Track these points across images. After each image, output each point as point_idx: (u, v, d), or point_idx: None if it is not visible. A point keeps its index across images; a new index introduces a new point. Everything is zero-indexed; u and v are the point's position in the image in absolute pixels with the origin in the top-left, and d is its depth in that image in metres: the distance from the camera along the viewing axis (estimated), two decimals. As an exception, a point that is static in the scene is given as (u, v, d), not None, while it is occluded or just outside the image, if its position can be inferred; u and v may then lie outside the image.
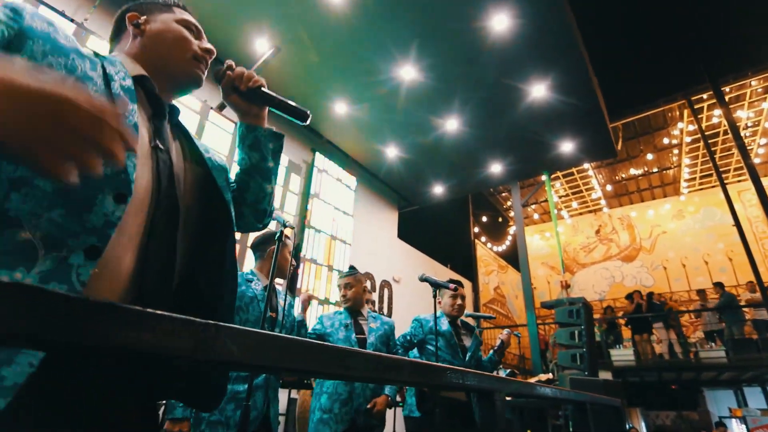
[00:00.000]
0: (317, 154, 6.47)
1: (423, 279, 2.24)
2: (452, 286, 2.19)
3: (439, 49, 5.00)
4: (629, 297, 9.24)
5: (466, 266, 11.08)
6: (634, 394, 9.97)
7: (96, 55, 0.72)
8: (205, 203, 0.80)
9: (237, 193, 0.95)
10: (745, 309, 8.12)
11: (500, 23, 4.60)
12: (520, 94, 5.56)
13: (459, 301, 2.48)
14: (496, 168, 7.15)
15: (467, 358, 2.33)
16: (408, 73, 5.28)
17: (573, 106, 5.73)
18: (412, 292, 7.92)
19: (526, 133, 6.28)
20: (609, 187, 13.09)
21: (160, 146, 0.73)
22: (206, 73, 0.92)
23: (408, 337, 2.42)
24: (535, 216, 14.80)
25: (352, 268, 2.53)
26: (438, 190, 7.96)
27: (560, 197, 13.62)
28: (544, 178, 7.34)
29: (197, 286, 0.73)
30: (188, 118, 4.84)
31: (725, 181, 9.11)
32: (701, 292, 9.74)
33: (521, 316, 13.44)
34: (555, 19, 4.62)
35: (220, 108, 5.35)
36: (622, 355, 8.61)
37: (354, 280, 2.34)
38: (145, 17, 0.88)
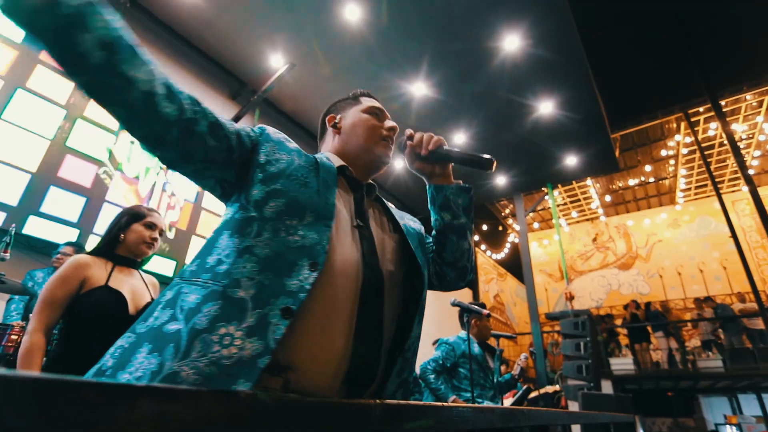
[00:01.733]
0: (326, 166, 6.55)
1: (455, 304, 2.32)
2: (485, 312, 2.27)
3: (449, 67, 5.10)
4: (626, 307, 9.41)
5: (467, 274, 11.19)
6: (633, 402, 10.11)
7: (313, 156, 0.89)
8: (404, 269, 0.87)
9: (436, 254, 1.00)
10: (742, 318, 8.28)
11: (511, 43, 4.72)
12: (528, 110, 5.69)
13: (489, 322, 2.57)
14: (500, 180, 7.27)
15: (495, 379, 2.42)
16: (419, 89, 5.38)
17: (578, 122, 5.87)
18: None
19: (531, 147, 6.41)
20: (607, 197, 13.28)
21: (361, 223, 0.83)
22: (393, 147, 1.03)
23: (441, 361, 2.49)
24: (535, 225, 14.96)
25: None
26: (442, 200, 8.05)
27: (558, 206, 13.79)
28: (546, 189, 7.47)
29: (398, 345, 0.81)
30: None
31: (720, 192, 9.33)
32: (698, 301, 9.95)
33: (520, 324, 13.58)
34: (564, 39, 4.75)
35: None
36: (622, 363, 8.75)
37: None
38: (339, 116, 1.02)
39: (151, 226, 1.72)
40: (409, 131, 1.03)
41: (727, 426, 10.08)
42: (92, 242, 3.59)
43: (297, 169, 0.80)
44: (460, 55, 4.95)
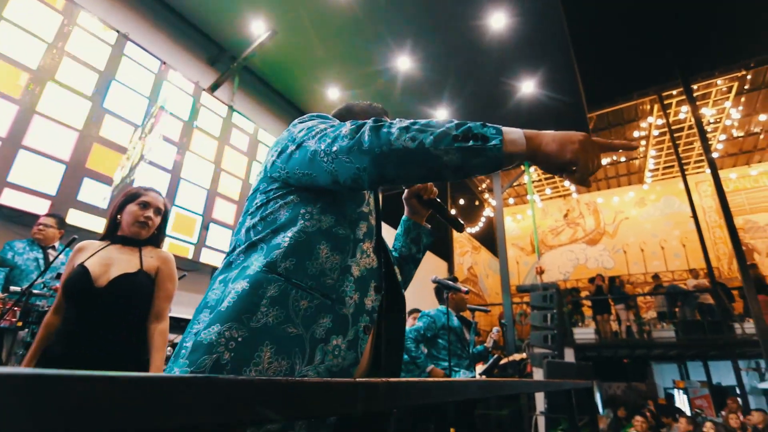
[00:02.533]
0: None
1: (436, 281, 2.45)
2: (464, 289, 2.41)
3: (435, 43, 5.08)
4: (592, 280, 9.94)
5: (443, 247, 11.47)
6: (593, 368, 10.84)
7: None
8: (393, 291, 1.00)
9: None
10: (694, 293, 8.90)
11: (498, 21, 4.72)
12: (510, 89, 5.75)
13: (465, 296, 2.73)
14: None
15: (470, 349, 2.60)
16: (404, 63, 5.35)
17: (557, 102, 5.99)
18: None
19: (511, 125, 6.51)
20: (579, 174, 13.65)
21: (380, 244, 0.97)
22: None
23: (422, 332, 2.65)
24: (510, 200, 15.31)
25: None
26: (422, 175, 8.16)
27: (534, 182, 14.12)
28: (523, 168, 7.65)
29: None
30: (181, 101, 4.75)
31: (685, 173, 9.78)
32: (656, 276, 10.60)
33: (491, 295, 14.12)
34: (549, 18, 4.78)
35: (213, 89, 5.26)
36: (584, 333, 9.33)
37: None
38: None
39: (145, 205, 1.70)
40: None
41: (675, 390, 10.99)
42: (72, 215, 3.53)
43: None
44: (445, 32, 4.92)
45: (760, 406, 7.46)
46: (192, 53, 5.31)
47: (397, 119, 0.76)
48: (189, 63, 5.21)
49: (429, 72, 5.49)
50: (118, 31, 4.23)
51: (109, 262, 1.61)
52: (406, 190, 1.16)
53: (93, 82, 3.93)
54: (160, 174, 4.37)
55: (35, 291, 2.36)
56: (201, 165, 4.84)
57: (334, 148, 0.75)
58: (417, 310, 3.79)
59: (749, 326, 7.42)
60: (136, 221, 1.67)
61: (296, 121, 0.93)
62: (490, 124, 0.71)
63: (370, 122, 0.74)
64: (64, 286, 1.56)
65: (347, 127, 0.76)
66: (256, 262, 0.77)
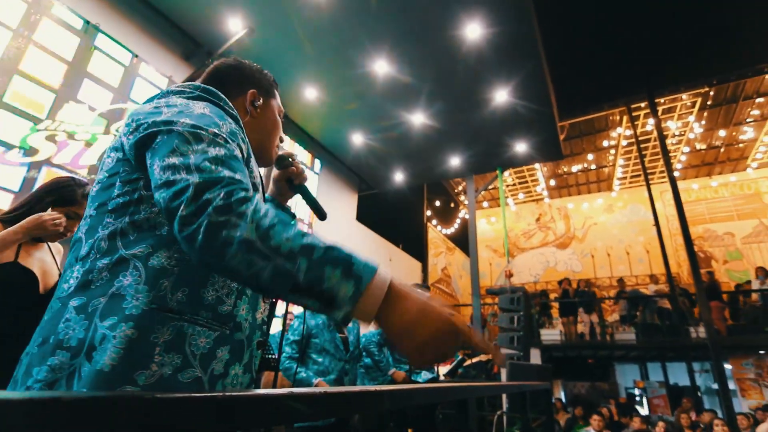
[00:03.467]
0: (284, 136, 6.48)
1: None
2: (426, 294, 2.49)
3: (413, 49, 5.15)
4: (561, 283, 10.28)
5: (418, 247, 11.61)
6: (557, 368, 11.20)
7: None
8: None
9: None
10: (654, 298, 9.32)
11: (473, 32, 4.83)
12: (484, 96, 5.89)
13: None
14: (454, 161, 7.54)
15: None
16: (381, 67, 5.41)
17: (530, 110, 6.16)
18: (367, 274, 8.26)
19: (485, 132, 6.67)
20: (552, 181, 14.06)
21: None
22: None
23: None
24: (485, 204, 15.60)
25: None
26: (399, 177, 8.24)
27: (508, 186, 14.43)
28: (497, 174, 7.84)
29: None
30: (115, 72, 4.61)
31: (651, 182, 10.22)
32: (620, 281, 11.04)
33: (464, 295, 14.35)
34: (523, 31, 4.92)
35: (187, 84, 5.19)
36: (550, 334, 9.64)
37: None
38: (261, 99, 0.96)
39: (73, 216, 1.55)
40: (294, 154, 1.11)
41: (636, 389, 11.47)
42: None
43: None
44: (422, 39, 5.00)
45: (713, 406, 7.91)
46: (166, 48, 5.22)
47: (254, 215, 0.58)
48: (162, 57, 5.12)
49: (406, 76, 5.56)
50: (88, 22, 4.14)
51: (39, 264, 1.49)
52: (277, 171, 1.09)
53: (61, 73, 3.83)
54: (130, 169, 4.30)
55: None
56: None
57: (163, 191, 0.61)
58: None
59: (703, 330, 7.84)
60: (59, 233, 1.50)
61: (184, 88, 0.80)
62: (355, 271, 0.56)
63: (211, 215, 0.56)
64: (3, 286, 1.39)
65: (194, 181, 0.59)
66: (139, 296, 0.63)
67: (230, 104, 0.83)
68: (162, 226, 0.68)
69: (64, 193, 1.54)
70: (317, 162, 7.48)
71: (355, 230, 8.66)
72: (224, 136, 0.70)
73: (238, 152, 0.70)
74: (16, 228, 1.40)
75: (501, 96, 5.85)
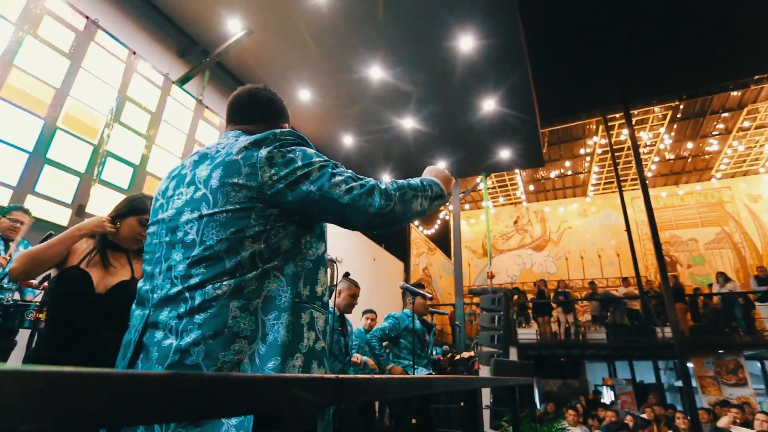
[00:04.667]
0: (275, 135, 6.56)
1: (403, 287, 2.70)
2: (428, 295, 2.67)
3: (406, 56, 5.33)
4: (537, 284, 10.69)
5: (400, 248, 11.80)
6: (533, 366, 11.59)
7: None
8: None
9: None
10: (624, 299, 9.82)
11: (465, 43, 5.05)
12: (472, 104, 6.13)
13: (428, 302, 3.00)
14: (440, 165, 7.76)
15: (429, 351, 2.88)
16: (375, 72, 5.56)
17: (515, 118, 6.44)
18: (352, 272, 8.39)
19: (472, 138, 6.93)
20: (531, 186, 14.52)
21: None
22: None
23: (386, 332, 2.88)
24: (466, 206, 15.95)
25: (347, 274, 2.89)
26: (386, 178, 8.41)
27: (488, 189, 14.81)
28: (480, 178, 8.10)
29: None
30: (149, 93, 4.69)
31: (623, 189, 10.73)
32: (592, 283, 11.54)
33: (443, 295, 14.65)
34: (511, 44, 5.17)
35: (182, 83, 5.21)
36: (526, 333, 10.02)
37: (345, 287, 2.72)
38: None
39: (145, 223, 1.66)
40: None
41: (604, 386, 12.02)
42: (30, 202, 3.44)
43: None
44: (416, 48, 5.19)
45: (675, 402, 8.43)
46: (161, 43, 5.22)
47: (388, 182, 1.01)
48: (156, 52, 5.12)
49: (399, 82, 5.73)
50: (87, 17, 4.13)
51: (107, 269, 1.61)
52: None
53: (60, 68, 3.82)
54: (124, 168, 4.31)
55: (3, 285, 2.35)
56: (168, 159, 4.81)
57: (353, 198, 0.92)
58: (370, 311, 4.00)
59: (669, 330, 8.33)
60: (134, 239, 1.66)
61: (279, 139, 0.98)
62: (436, 184, 1.11)
63: (377, 185, 0.97)
64: (60, 289, 1.51)
65: (357, 182, 0.95)
66: (284, 294, 0.88)
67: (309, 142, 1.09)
68: (284, 246, 0.94)
69: (136, 204, 1.70)
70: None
71: (340, 230, 8.77)
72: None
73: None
74: (80, 225, 1.52)
75: (488, 104, 6.10)
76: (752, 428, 5.16)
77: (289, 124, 1.24)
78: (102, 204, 3.96)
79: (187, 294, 0.86)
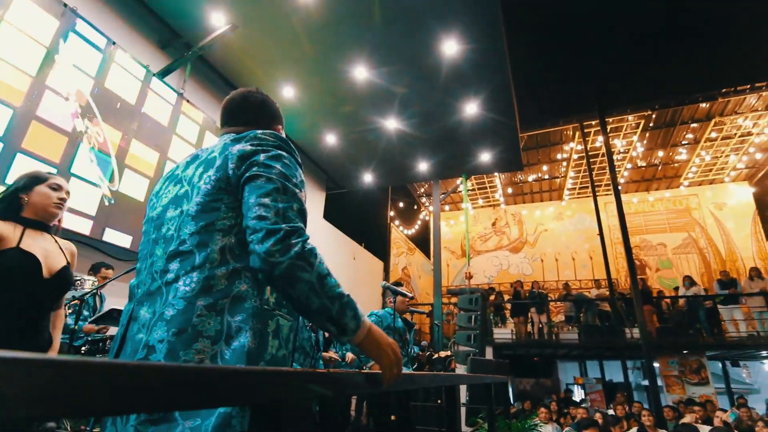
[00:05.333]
0: (257, 131, 6.51)
1: (385, 287, 2.74)
2: (410, 295, 2.71)
3: (391, 58, 5.38)
4: (513, 285, 10.92)
5: (380, 247, 11.86)
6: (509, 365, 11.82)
7: None
8: None
9: None
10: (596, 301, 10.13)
11: (449, 47, 5.13)
12: (455, 108, 6.23)
13: (409, 301, 3.05)
14: (423, 166, 7.85)
15: (410, 349, 2.93)
16: (360, 73, 5.58)
17: (496, 124, 6.58)
18: (332, 271, 8.39)
19: (454, 141, 7.03)
20: (509, 189, 14.80)
21: None
22: None
23: None
24: (446, 207, 16.13)
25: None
26: (367, 177, 8.45)
27: (468, 191, 15.02)
28: (460, 180, 8.22)
29: None
30: (129, 85, 4.58)
31: (597, 194, 11.07)
32: (566, 285, 11.86)
33: (422, 294, 14.79)
34: (494, 50, 5.28)
35: (162, 75, 5.12)
36: (502, 333, 10.21)
37: None
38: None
39: (56, 188, 1.64)
40: None
41: (575, 385, 12.36)
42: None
43: None
44: (401, 50, 5.24)
45: (641, 400, 8.75)
46: (141, 33, 5.11)
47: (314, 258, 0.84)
48: (138, 45, 5.02)
49: (383, 83, 5.77)
50: (65, 4, 4.01)
51: (41, 250, 1.57)
52: None
53: (35, 56, 3.70)
54: (102, 161, 4.21)
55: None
56: (147, 152, 4.71)
57: (257, 223, 0.83)
58: None
59: (637, 331, 8.65)
60: (53, 204, 1.61)
61: (258, 138, 0.97)
62: (358, 315, 0.86)
63: (294, 238, 0.82)
64: (6, 269, 1.46)
65: (281, 216, 0.84)
66: (253, 298, 0.86)
67: (296, 152, 1.06)
68: None
69: (32, 174, 1.65)
70: (301, 171, 7.56)
71: (321, 228, 8.77)
72: (300, 187, 0.95)
73: (304, 198, 0.96)
74: None
75: (470, 107, 6.21)
76: (712, 425, 5.43)
77: (282, 127, 1.26)
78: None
79: (164, 289, 0.86)
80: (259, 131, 1.01)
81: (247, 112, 1.16)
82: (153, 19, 5.11)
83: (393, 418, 2.55)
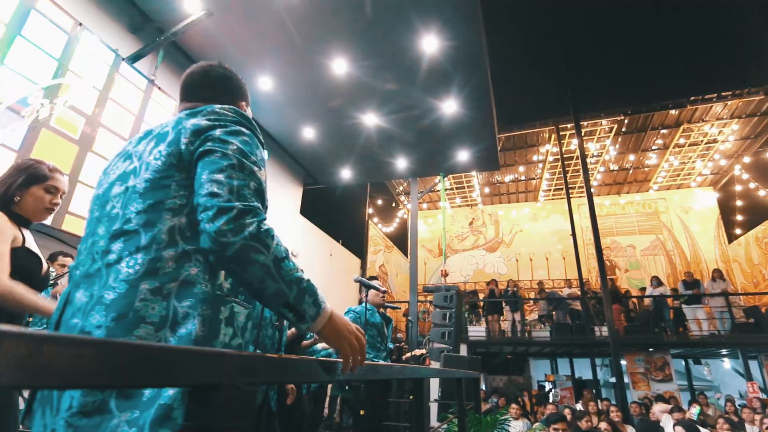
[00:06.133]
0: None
1: (357, 280, 2.70)
2: (382, 288, 2.68)
3: (370, 51, 5.32)
4: (489, 284, 11.05)
5: (357, 244, 11.80)
6: (481, 362, 11.96)
7: None
8: None
9: None
10: (567, 299, 10.37)
11: (428, 42, 5.12)
12: (434, 105, 6.23)
13: (382, 295, 3.03)
14: (401, 163, 7.83)
15: (387, 343, 2.91)
16: (339, 65, 5.51)
17: (474, 122, 6.61)
18: (308, 267, 8.31)
19: (432, 138, 7.04)
20: (486, 188, 14.97)
21: None
22: None
23: None
24: (424, 205, 16.19)
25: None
26: (345, 173, 8.37)
27: (446, 190, 15.12)
28: (438, 178, 8.25)
29: None
30: (95, 69, 4.39)
31: (570, 196, 11.31)
32: (540, 284, 12.10)
33: (398, 292, 14.81)
34: (473, 49, 5.30)
35: (132, 60, 4.92)
36: (476, 331, 10.33)
37: None
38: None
39: (52, 190, 1.56)
40: None
41: (546, 382, 12.62)
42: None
43: None
44: (381, 44, 5.19)
45: (609, 396, 9.01)
46: (109, 16, 4.90)
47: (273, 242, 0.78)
48: (107, 28, 4.81)
49: (363, 76, 5.71)
50: (26, -19, 3.80)
51: (39, 250, 1.55)
52: None
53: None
54: (66, 147, 4.01)
55: None
56: (114, 139, 4.52)
57: (208, 200, 0.78)
58: None
59: (606, 330, 8.89)
60: (45, 208, 1.55)
61: (216, 113, 0.92)
62: (319, 301, 0.81)
63: (249, 218, 0.77)
64: (19, 269, 1.41)
65: (235, 194, 0.79)
66: (207, 283, 0.80)
67: (258, 131, 1.00)
68: None
69: (33, 172, 1.55)
70: (264, 152, 7.39)
71: (298, 224, 8.65)
72: (260, 166, 0.90)
73: (264, 178, 0.90)
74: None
75: (449, 105, 6.22)
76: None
77: (247, 104, 1.18)
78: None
79: (104, 271, 0.79)
80: (218, 106, 0.94)
81: (206, 87, 1.08)
82: (123, 1, 4.91)
83: (362, 413, 2.52)
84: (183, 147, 0.86)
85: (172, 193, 0.84)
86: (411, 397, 4.58)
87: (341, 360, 0.84)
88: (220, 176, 0.80)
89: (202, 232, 0.77)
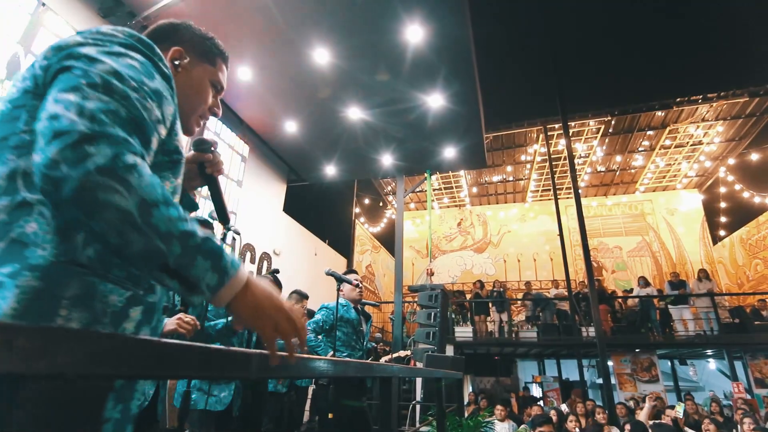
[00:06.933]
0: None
1: (329, 273, 2.52)
2: (354, 282, 2.51)
3: (354, 42, 5.16)
4: (475, 284, 10.94)
5: (344, 244, 11.60)
6: (468, 364, 11.83)
7: None
8: None
9: None
10: (553, 300, 10.29)
11: (413, 33, 4.97)
12: (420, 99, 6.08)
13: (358, 290, 2.85)
14: (387, 160, 7.67)
15: (365, 342, 2.73)
16: (322, 56, 5.33)
17: (461, 120, 6.48)
18: (291, 266, 8.09)
19: (418, 134, 6.89)
20: (474, 189, 14.89)
21: None
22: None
23: (320, 324, 2.70)
24: (411, 205, 16.06)
25: (275, 271, 2.68)
26: (330, 170, 8.18)
27: (434, 190, 15.01)
28: (426, 175, 8.12)
29: None
30: (17, 19, 4.09)
31: (558, 197, 11.27)
32: (527, 284, 12.03)
33: (386, 293, 14.64)
34: (459, 47, 5.17)
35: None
36: (463, 331, 10.20)
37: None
38: (188, 58, 0.92)
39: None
40: (216, 144, 1.08)
41: (534, 384, 12.54)
42: None
43: None
44: (365, 35, 5.03)
45: (596, 398, 8.94)
46: None
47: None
48: (73, 9, 4.56)
49: (347, 68, 5.54)
50: (-17, -45, 3.56)
51: None
52: (192, 153, 1.03)
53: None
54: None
55: None
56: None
57: (55, 125, 0.56)
58: (296, 292, 3.75)
59: (593, 330, 8.82)
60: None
61: (99, 33, 0.70)
62: (224, 266, 0.61)
63: (90, 172, 0.53)
64: None
65: (89, 117, 0.56)
66: (46, 246, 0.60)
67: (165, 60, 0.77)
68: None
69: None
70: (245, 147, 7.16)
71: (282, 222, 8.43)
72: (149, 97, 0.66)
73: (155, 114, 0.67)
74: None
75: (435, 99, 6.08)
76: (661, 420, 5.54)
77: (184, 50, 0.93)
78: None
79: None
80: (106, 27, 0.73)
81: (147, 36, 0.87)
82: (93, -17, 4.67)
83: (330, 416, 2.35)
84: (40, 67, 0.66)
85: (21, 126, 0.64)
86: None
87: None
88: (69, 95, 0.58)
89: (34, 165, 0.55)
